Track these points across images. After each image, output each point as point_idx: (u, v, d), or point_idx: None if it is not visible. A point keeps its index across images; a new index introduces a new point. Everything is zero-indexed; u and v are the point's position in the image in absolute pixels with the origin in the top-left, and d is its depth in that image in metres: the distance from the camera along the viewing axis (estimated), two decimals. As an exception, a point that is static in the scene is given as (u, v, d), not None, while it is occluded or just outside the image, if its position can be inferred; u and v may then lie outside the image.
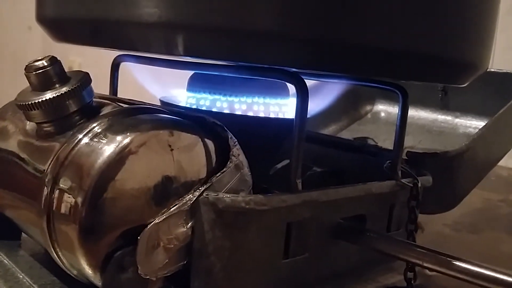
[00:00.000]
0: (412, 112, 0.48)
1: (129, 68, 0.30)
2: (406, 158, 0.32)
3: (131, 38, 0.20)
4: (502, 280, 0.20)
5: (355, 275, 0.27)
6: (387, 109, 0.52)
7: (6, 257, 0.24)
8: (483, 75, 0.29)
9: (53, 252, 0.20)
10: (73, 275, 0.20)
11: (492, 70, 0.47)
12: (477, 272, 0.21)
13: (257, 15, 0.18)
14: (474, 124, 0.47)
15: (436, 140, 0.46)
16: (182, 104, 0.29)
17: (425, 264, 0.22)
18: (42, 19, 0.24)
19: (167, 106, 0.24)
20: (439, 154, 0.32)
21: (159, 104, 0.29)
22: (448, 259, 0.22)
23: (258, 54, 0.19)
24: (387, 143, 0.42)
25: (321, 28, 0.18)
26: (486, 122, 0.40)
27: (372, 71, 0.21)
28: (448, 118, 0.49)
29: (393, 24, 0.19)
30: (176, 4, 0.18)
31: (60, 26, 0.23)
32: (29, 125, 0.23)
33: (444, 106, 0.48)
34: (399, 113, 0.28)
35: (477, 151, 0.35)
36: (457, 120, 0.48)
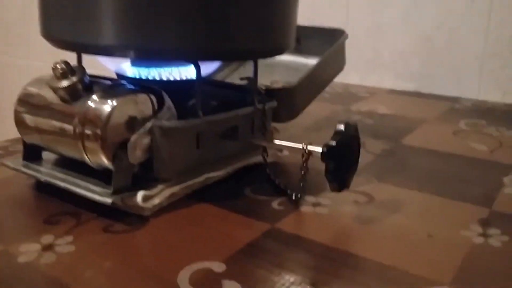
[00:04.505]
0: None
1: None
2: (263, 90, 0.56)
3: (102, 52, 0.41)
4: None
5: (234, 157, 0.51)
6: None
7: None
8: (324, 31, 0.55)
9: (85, 156, 0.41)
10: (93, 166, 0.42)
11: (326, 27, 0.73)
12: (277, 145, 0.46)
13: (159, 39, 0.40)
14: (316, 61, 0.72)
15: (291, 75, 0.71)
16: (129, 74, 0.49)
17: (265, 145, 0.47)
18: (47, 36, 0.43)
19: (127, 79, 0.45)
20: (281, 88, 0.57)
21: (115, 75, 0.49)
22: (275, 143, 0.46)
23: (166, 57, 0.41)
24: (264, 80, 0.65)
25: (201, 43, 0.40)
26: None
27: (232, 58, 0.44)
28: (302, 58, 0.73)
29: (238, 33, 0.42)
30: (126, 34, 0.39)
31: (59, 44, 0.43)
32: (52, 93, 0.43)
33: (298, 51, 0.73)
34: (252, 75, 0.51)
35: (306, 84, 0.60)
36: (307, 60, 0.73)
